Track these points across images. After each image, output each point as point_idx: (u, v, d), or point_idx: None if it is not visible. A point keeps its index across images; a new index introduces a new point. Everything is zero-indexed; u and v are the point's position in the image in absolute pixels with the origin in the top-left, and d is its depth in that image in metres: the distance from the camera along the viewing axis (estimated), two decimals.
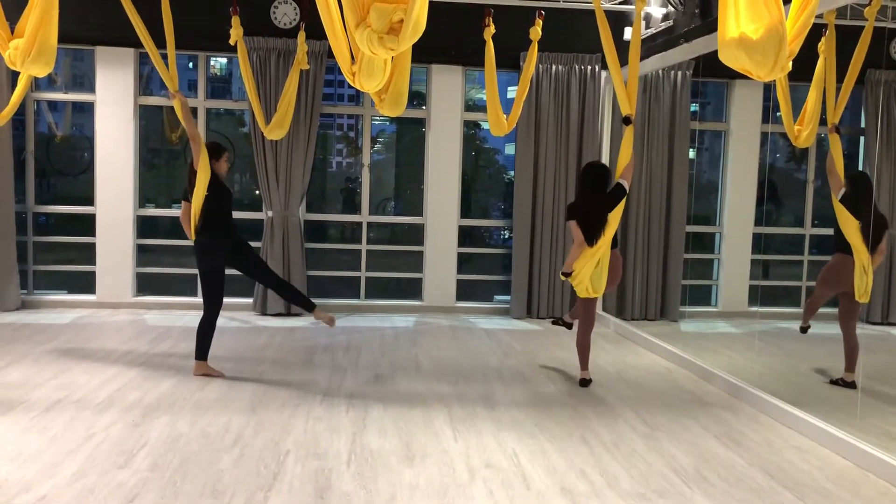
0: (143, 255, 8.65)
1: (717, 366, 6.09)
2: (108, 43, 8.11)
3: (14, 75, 6.87)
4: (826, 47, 5.51)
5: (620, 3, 7.88)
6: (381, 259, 9.07)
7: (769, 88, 6.30)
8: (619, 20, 8.17)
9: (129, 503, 3.47)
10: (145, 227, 8.69)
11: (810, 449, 4.52)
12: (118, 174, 8.21)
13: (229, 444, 4.28)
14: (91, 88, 8.37)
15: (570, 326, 6.51)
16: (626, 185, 5.64)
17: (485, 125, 9.14)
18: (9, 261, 7.98)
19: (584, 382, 5.80)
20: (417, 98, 9.05)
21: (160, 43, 5.67)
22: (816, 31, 4.91)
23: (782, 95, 5.64)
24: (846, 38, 5.48)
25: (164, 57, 5.71)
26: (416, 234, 8.99)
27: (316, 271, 8.73)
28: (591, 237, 5.58)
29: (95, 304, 8.31)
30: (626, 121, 5.59)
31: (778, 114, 5.97)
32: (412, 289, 9.04)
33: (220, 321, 7.86)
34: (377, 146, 9.53)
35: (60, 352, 6.22)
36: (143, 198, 8.66)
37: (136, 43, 7.84)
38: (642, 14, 5.75)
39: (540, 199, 8.50)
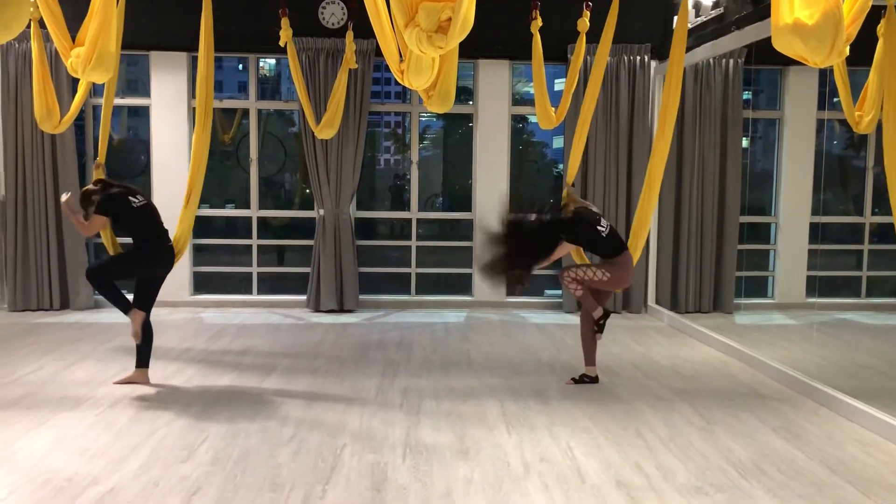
0: (199, 254, 8.86)
1: (774, 358, 5.97)
2: (163, 48, 8.31)
3: (75, 82, 7.09)
4: (886, 30, 5.28)
5: None
6: (430, 255, 9.12)
7: (825, 74, 6.13)
8: (667, 9, 8.07)
9: (191, 496, 3.57)
10: (200, 226, 8.87)
11: (874, 442, 4.41)
12: (174, 176, 8.38)
13: (287, 438, 4.36)
14: (146, 92, 8.59)
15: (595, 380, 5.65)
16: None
17: (533, 119, 9.10)
18: (79, 261, 8.24)
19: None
20: (465, 93, 9.06)
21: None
22: (876, 13, 4.75)
23: (840, 81, 5.44)
24: None
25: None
26: (465, 230, 9.01)
27: (367, 268, 8.82)
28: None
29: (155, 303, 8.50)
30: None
31: (836, 99, 5.80)
32: (462, 284, 9.06)
33: (275, 318, 8.10)
34: (425, 142, 9.57)
35: (123, 350, 6.41)
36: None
37: (188, 47, 8.12)
38: (691, 3, 5.65)
39: (591, 192, 8.42)
